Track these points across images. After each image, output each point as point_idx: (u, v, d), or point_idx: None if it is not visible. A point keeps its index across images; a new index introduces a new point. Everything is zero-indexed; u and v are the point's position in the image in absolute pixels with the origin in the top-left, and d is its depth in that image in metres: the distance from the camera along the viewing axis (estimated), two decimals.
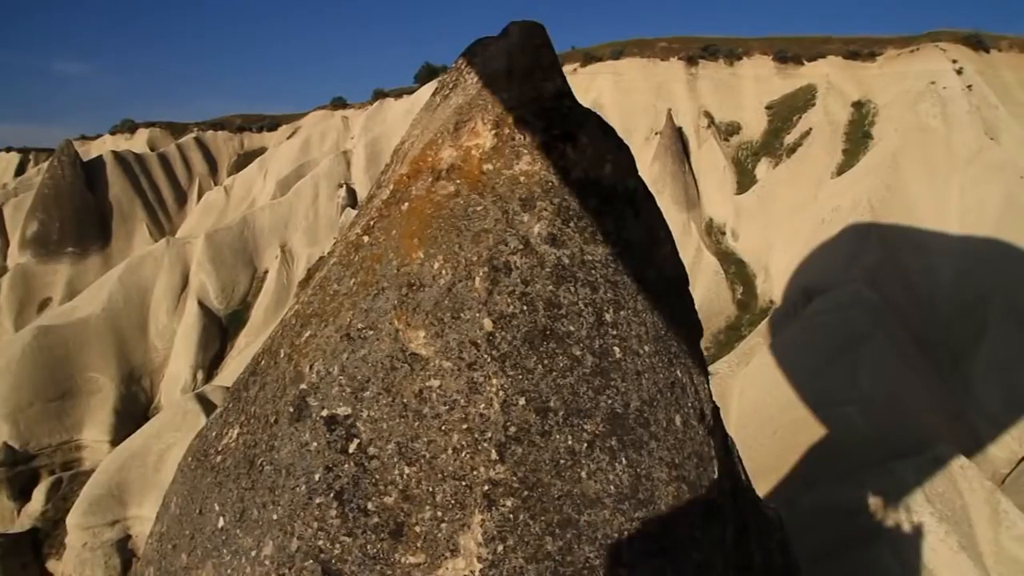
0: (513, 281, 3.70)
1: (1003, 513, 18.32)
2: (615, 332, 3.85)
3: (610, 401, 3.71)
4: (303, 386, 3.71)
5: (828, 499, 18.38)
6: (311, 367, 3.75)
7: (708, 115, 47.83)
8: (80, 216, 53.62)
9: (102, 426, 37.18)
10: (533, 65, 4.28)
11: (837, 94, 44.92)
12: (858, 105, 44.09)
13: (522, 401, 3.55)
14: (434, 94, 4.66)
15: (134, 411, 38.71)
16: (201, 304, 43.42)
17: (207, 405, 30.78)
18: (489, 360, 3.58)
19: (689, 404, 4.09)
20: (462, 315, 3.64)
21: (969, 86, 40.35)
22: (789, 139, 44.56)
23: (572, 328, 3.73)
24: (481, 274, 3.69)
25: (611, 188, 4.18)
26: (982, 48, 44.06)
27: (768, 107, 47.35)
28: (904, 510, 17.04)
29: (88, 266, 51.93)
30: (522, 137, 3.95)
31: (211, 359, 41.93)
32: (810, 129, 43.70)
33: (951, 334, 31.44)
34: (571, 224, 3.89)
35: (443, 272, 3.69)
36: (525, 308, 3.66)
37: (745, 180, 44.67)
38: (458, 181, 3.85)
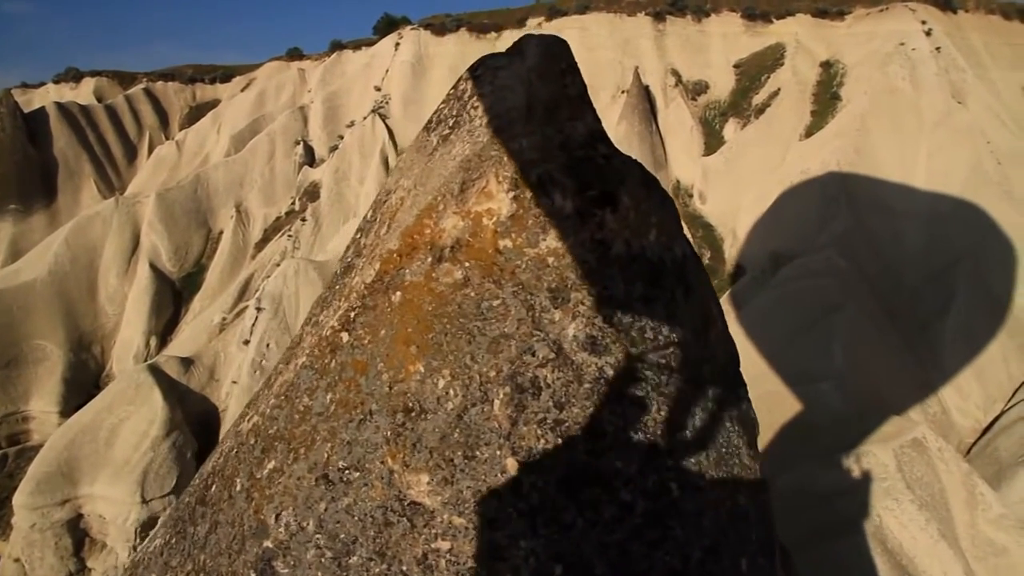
0: (544, 405, 2.82)
1: (979, 496, 18.14)
2: (671, 462, 3.00)
3: (668, 557, 2.87)
4: (268, 544, 2.81)
5: (806, 483, 18.00)
6: (277, 516, 2.85)
7: (676, 73, 46.83)
8: (22, 171, 51.02)
9: (50, 396, 35.69)
10: (558, 98, 3.35)
11: (806, 53, 44.18)
12: (827, 65, 43.43)
13: (559, 570, 2.70)
14: (427, 130, 3.70)
15: (84, 380, 37.23)
16: (153, 266, 41.71)
17: (161, 377, 29.60)
18: (515, 515, 2.72)
19: (754, 539, 3.27)
20: (478, 453, 2.76)
21: (938, 48, 39.86)
22: (757, 99, 43.79)
23: (620, 464, 2.87)
24: (502, 396, 2.81)
25: (658, 262, 3.29)
26: (949, 9, 43.52)
27: (736, 66, 46.48)
28: (885, 496, 16.72)
29: (32, 225, 49.62)
30: (549, 202, 3.03)
31: (165, 324, 40.40)
32: (778, 89, 42.93)
33: (919, 301, 31.28)
34: (615, 320, 3.00)
35: (451, 393, 2.80)
36: (560, 442, 2.79)
37: (713, 141, 43.91)
38: (467, 264, 2.94)
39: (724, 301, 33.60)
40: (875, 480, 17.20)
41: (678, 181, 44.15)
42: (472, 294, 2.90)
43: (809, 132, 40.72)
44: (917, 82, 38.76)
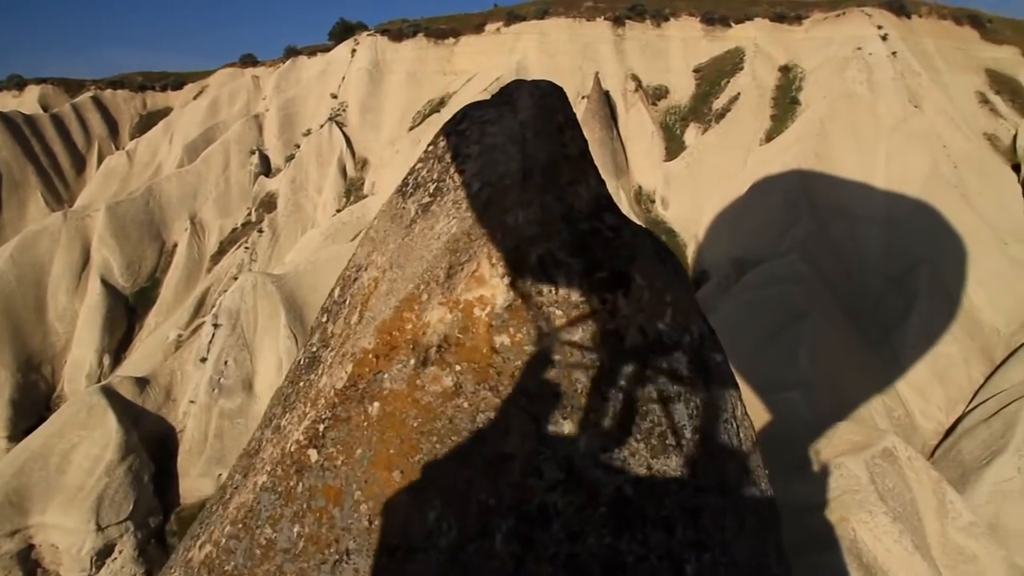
0: (554, 536, 2.37)
1: (949, 504, 18.08)
2: None
3: None
4: None
5: (779, 496, 17.74)
6: None
7: (635, 78, 46.71)
8: None
9: None
10: (557, 159, 2.90)
11: (765, 58, 44.36)
12: (785, 70, 43.64)
13: None
14: (403, 195, 3.21)
15: (34, 402, 35.86)
16: (104, 282, 40.36)
17: (114, 399, 28.55)
18: None
19: None
20: None
21: (894, 53, 40.25)
22: (717, 104, 43.81)
23: None
24: (504, 529, 2.35)
25: (675, 346, 2.85)
26: (903, 13, 44.02)
27: (696, 70, 46.51)
28: (858, 509, 16.54)
29: None
30: (552, 288, 2.59)
31: (118, 342, 39.13)
32: (738, 94, 43.01)
33: (881, 306, 31.43)
34: (632, 426, 2.56)
35: (444, 527, 2.33)
36: None
37: (674, 146, 43.84)
38: (458, 368, 2.48)
39: None
40: (848, 492, 17.03)
41: (640, 187, 44.03)
42: (466, 405, 2.44)
43: (769, 136, 40.84)
44: (874, 86, 39.08)
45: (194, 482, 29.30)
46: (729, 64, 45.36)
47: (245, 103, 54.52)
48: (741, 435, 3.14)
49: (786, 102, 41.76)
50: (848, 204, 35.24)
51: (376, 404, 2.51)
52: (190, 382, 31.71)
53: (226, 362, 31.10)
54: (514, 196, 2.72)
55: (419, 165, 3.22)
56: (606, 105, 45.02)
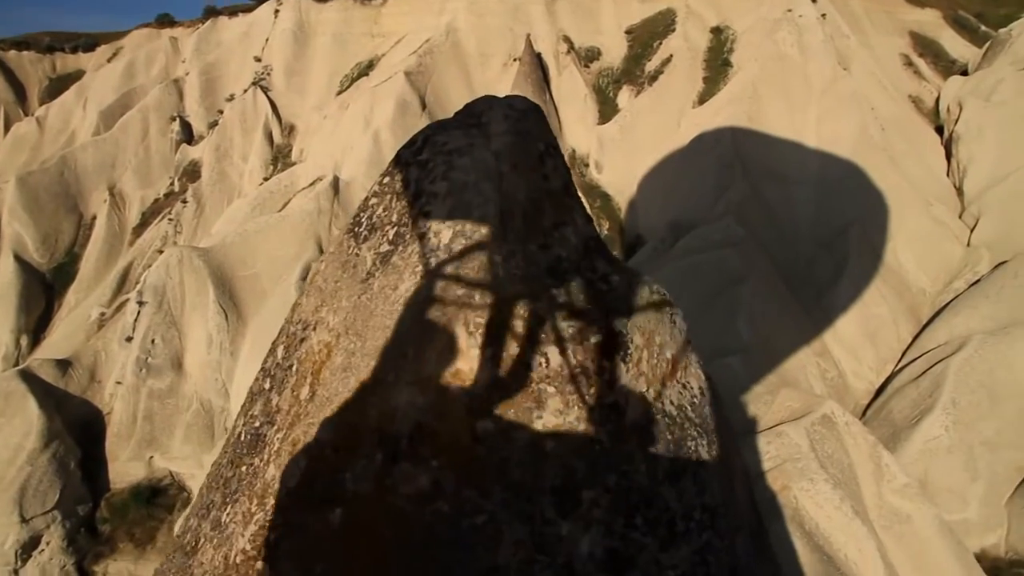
0: None
1: (885, 467, 18.47)
2: None
3: None
4: None
5: None
6: None
7: (567, 40, 46.12)
8: None
9: None
10: (539, 196, 2.49)
11: (696, 19, 44.21)
12: (717, 31, 43.58)
13: None
14: (354, 235, 2.71)
15: None
16: (18, 258, 38.35)
17: (34, 383, 27.25)
18: None
19: None
20: None
21: (823, 15, 40.49)
22: (650, 66, 43.57)
23: None
24: None
25: (680, 416, 2.49)
26: None
27: (628, 32, 46.14)
28: (800, 477, 16.75)
29: None
30: (541, 360, 2.19)
31: (36, 322, 37.30)
32: (671, 56, 42.81)
33: (814, 268, 31.91)
34: (638, 520, 2.20)
35: None
36: None
37: (607, 109, 43.56)
38: (435, 463, 2.07)
39: None
40: (789, 460, 17.23)
41: (574, 151, 43.66)
42: (446, 509, 2.04)
43: (702, 99, 40.85)
44: (805, 48, 39.30)
45: (124, 466, 28.28)
46: (661, 25, 45.08)
47: (163, 66, 52.11)
48: (752, 496, 2.82)
49: (718, 64, 41.75)
50: (780, 167, 35.54)
51: (338, 511, 2.09)
52: (115, 362, 30.46)
53: (153, 340, 29.94)
54: (493, 246, 2.30)
55: (373, 200, 2.74)
56: (538, 68, 44.42)
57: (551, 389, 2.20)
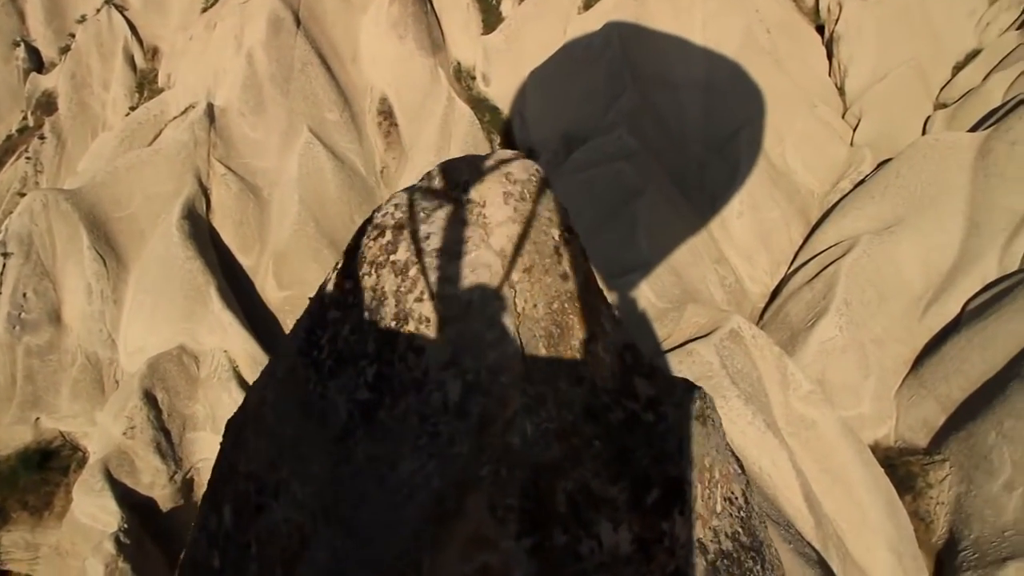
0: None
1: (790, 376, 19.07)
2: None
3: None
4: None
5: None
6: None
7: None
8: None
9: None
10: (560, 305, 1.92)
11: None
12: None
13: None
14: (314, 364, 2.00)
15: None
16: None
17: None
18: None
19: None
20: None
21: None
22: None
23: None
24: None
25: (735, 543, 2.04)
26: None
27: None
28: (712, 395, 17.04)
29: None
30: (592, 545, 1.69)
31: None
32: None
33: (706, 174, 32.19)
34: None
35: None
36: None
37: (491, 18, 42.03)
38: None
39: None
40: (702, 379, 17.49)
41: (459, 63, 42.24)
42: None
43: (587, 4, 39.84)
44: None
45: (8, 431, 26.49)
46: None
47: None
48: None
49: None
50: (668, 73, 35.30)
51: None
52: None
53: (25, 294, 27.73)
54: (516, 398, 1.74)
55: (333, 312, 2.01)
56: None
57: (606, 572, 1.70)
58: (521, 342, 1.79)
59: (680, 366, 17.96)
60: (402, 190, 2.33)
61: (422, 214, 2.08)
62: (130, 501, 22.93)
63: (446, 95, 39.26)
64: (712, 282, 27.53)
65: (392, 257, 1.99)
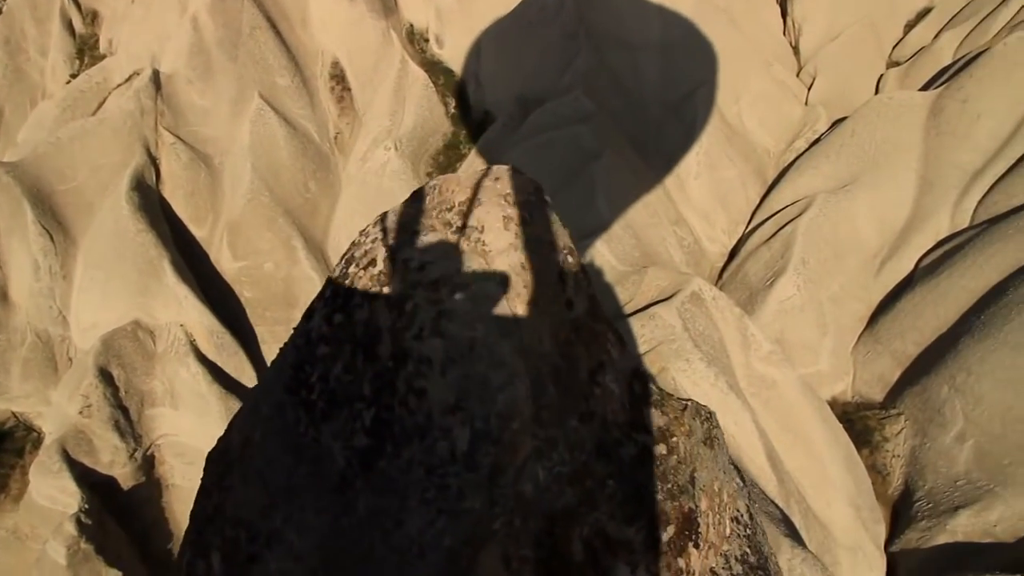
0: None
1: (751, 337, 19.30)
2: None
3: None
4: None
5: None
6: None
7: None
8: None
9: None
10: (567, 338, 1.82)
11: None
12: None
13: None
14: (304, 405, 1.85)
15: None
16: None
17: None
18: None
19: None
20: None
21: None
22: None
23: None
24: None
25: (744, 566, 1.99)
26: None
27: None
28: (676, 358, 17.20)
29: None
30: None
31: None
32: None
33: (663, 135, 32.14)
34: None
35: None
36: None
37: None
38: None
39: (477, 156, 32.85)
40: (665, 342, 17.63)
41: (411, 25, 41.38)
42: None
43: None
44: None
45: None
46: None
47: None
48: None
49: None
50: (624, 33, 35.01)
51: None
52: None
53: None
54: (528, 444, 1.64)
55: (322, 348, 1.87)
56: None
57: None
58: (529, 382, 1.68)
59: (643, 330, 18.07)
60: (390, 210, 2.19)
61: (416, 240, 1.95)
62: (90, 481, 22.51)
63: (399, 58, 38.50)
64: (671, 243, 27.63)
65: (385, 289, 1.86)
